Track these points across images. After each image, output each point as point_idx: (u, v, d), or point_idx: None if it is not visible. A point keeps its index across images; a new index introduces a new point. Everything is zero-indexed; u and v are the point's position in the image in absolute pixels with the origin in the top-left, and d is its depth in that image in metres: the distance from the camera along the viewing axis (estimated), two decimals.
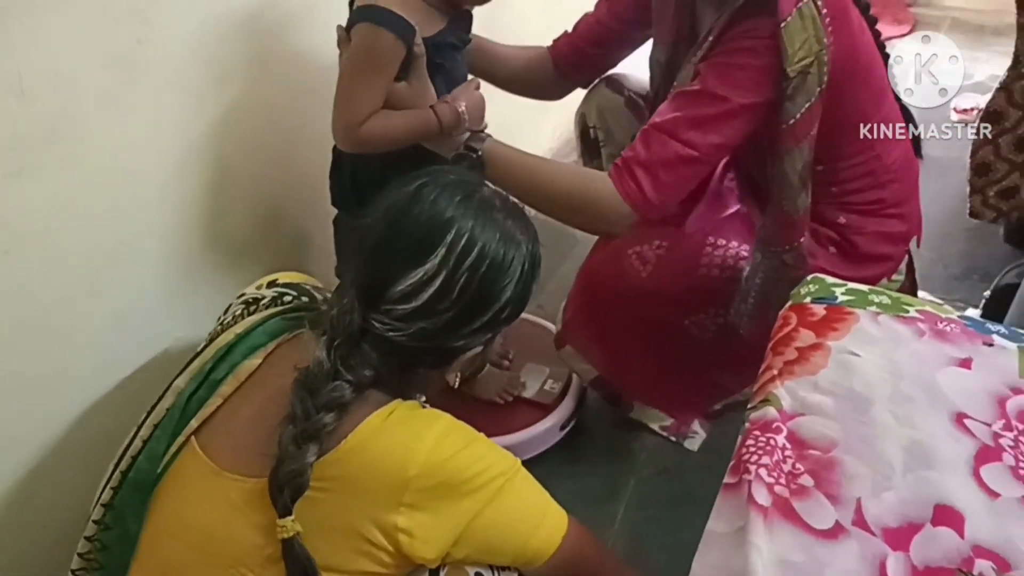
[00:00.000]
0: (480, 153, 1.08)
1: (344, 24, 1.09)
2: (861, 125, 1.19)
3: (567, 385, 1.45)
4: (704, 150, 1.07)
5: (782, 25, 1.01)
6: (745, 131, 1.08)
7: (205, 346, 0.91)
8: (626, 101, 1.41)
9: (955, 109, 2.36)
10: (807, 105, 1.06)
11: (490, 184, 0.91)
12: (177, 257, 1.21)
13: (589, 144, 1.49)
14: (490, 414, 1.40)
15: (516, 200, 1.09)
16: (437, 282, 0.79)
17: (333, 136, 1.12)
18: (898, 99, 1.29)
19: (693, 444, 1.42)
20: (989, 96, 1.70)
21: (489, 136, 1.11)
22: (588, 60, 1.38)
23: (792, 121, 1.06)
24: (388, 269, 0.80)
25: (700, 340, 1.28)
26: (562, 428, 1.41)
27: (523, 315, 1.59)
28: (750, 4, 1.05)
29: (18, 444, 1.03)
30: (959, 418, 0.76)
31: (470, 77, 1.19)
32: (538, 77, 1.40)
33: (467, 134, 1.09)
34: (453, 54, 1.14)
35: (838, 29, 1.06)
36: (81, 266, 1.05)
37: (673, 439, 1.43)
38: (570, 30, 1.39)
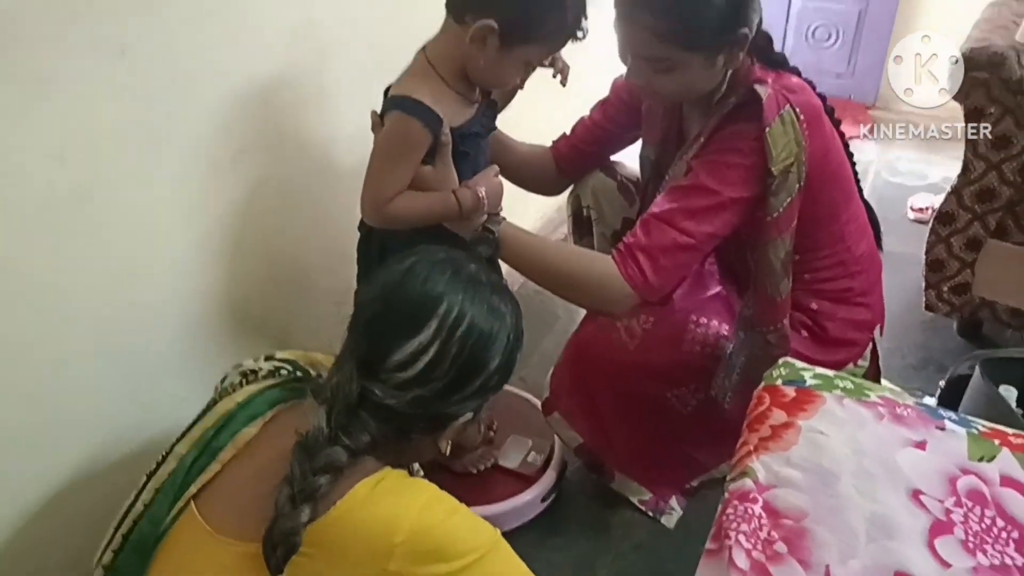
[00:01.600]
0: (496, 234, 1.16)
1: (378, 110, 1.17)
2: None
3: (549, 458, 1.50)
4: (699, 238, 1.17)
5: (767, 130, 1.12)
6: (734, 222, 1.18)
7: (204, 413, 0.94)
8: (618, 185, 1.52)
9: (912, 208, 2.52)
10: (788, 200, 1.17)
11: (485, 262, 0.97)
12: (188, 323, 1.26)
13: (581, 223, 1.59)
14: (474, 484, 1.44)
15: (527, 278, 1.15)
16: (431, 351, 0.85)
17: (361, 210, 1.19)
18: (862, 197, 1.41)
19: (670, 521, 1.47)
20: (942, 197, 1.82)
21: (504, 219, 1.19)
22: (584, 157, 1.51)
23: (776, 214, 1.17)
24: (386, 340, 0.86)
25: (681, 414, 1.35)
26: (543, 500, 1.45)
27: (507, 388, 1.67)
28: (737, 110, 1.17)
29: (22, 496, 1.06)
30: (915, 494, 0.84)
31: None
32: (539, 171, 1.51)
33: (485, 216, 1.17)
34: (478, 142, 1.24)
35: (813, 134, 1.18)
36: (98, 325, 1.10)
37: (651, 514, 1.47)
38: (568, 133, 1.52)
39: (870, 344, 1.43)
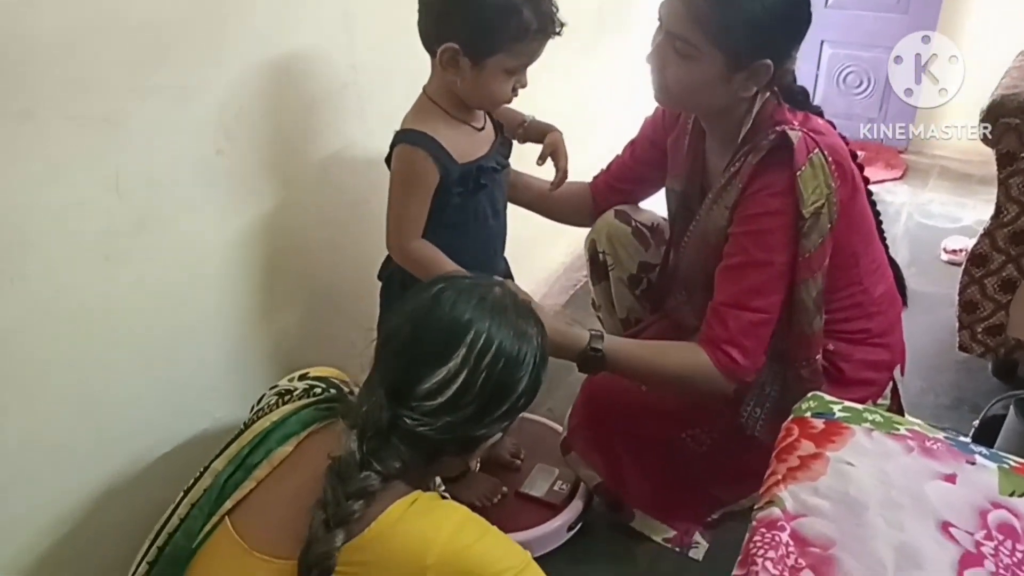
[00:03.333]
0: (602, 351, 1.19)
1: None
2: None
3: (575, 487, 1.50)
4: (770, 309, 1.21)
5: (798, 174, 1.15)
6: (790, 278, 1.21)
7: (241, 432, 0.97)
8: (633, 231, 1.55)
9: (944, 249, 2.51)
10: (820, 241, 1.19)
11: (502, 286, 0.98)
12: (226, 344, 1.30)
13: (598, 266, 1.62)
14: (500, 511, 1.44)
15: None
16: (460, 379, 0.86)
17: (387, 247, 1.24)
18: (883, 240, 1.42)
19: (698, 554, 1.46)
20: (975, 239, 1.81)
21: (603, 334, 1.21)
22: (619, 194, 1.57)
23: (808, 255, 1.19)
24: (415, 369, 0.88)
25: (696, 453, 1.36)
26: (569, 529, 1.46)
27: (535, 418, 1.69)
28: (771, 154, 1.19)
29: (59, 504, 1.09)
30: (944, 526, 0.84)
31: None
32: (577, 205, 1.60)
33: (588, 336, 1.19)
34: (494, 176, 1.28)
35: (842, 175, 1.20)
36: (142, 345, 1.15)
37: (678, 550, 1.46)
38: (605, 169, 1.59)
39: (890, 383, 1.42)
